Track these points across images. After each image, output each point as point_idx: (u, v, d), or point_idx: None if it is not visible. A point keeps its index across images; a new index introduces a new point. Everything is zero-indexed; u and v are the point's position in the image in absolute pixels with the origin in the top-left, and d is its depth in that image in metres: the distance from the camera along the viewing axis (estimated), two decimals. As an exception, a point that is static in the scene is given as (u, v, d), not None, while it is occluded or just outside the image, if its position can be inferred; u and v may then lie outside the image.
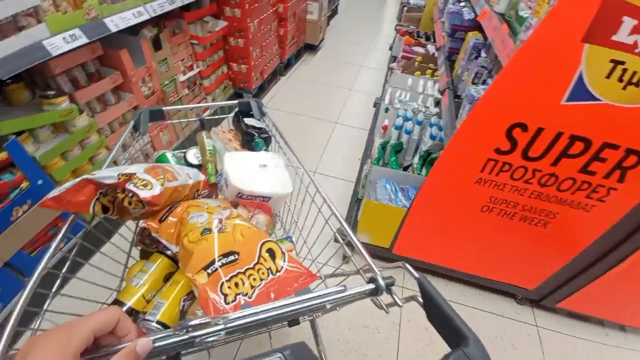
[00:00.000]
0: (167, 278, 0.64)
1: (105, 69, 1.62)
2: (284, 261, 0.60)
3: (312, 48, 4.07)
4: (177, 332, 0.39)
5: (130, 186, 0.63)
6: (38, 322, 0.53)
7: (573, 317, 1.67)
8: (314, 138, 2.70)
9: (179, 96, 2.09)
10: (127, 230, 0.94)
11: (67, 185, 0.62)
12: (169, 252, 0.66)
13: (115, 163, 1.76)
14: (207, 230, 0.60)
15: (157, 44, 1.85)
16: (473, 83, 1.67)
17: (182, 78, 2.07)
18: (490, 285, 1.67)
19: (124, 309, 0.60)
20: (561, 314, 1.68)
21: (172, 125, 2.06)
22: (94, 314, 0.37)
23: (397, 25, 4.11)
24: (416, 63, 2.61)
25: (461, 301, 1.69)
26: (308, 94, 3.30)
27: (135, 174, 0.65)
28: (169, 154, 1.02)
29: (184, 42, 2.07)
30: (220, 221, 0.63)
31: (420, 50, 2.86)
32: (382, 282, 0.45)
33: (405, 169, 1.83)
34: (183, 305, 0.60)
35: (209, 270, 0.55)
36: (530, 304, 1.71)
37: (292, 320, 0.66)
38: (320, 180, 0.83)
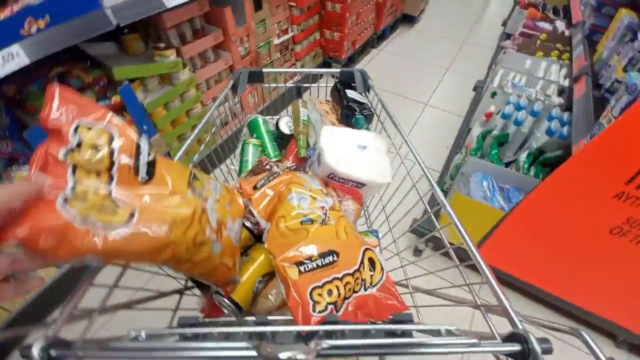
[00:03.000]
0: (243, 250, 0.61)
1: (208, 27, 1.67)
2: (382, 277, 0.51)
3: (410, 20, 3.73)
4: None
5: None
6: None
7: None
8: (400, 119, 2.49)
9: (271, 59, 2.09)
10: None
11: None
12: (248, 224, 0.61)
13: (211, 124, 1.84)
14: (309, 221, 0.53)
15: (257, 4, 1.84)
16: (625, 70, 1.32)
17: (276, 41, 2.06)
18: (589, 319, 1.39)
19: None
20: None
21: (261, 88, 2.09)
22: None
23: (516, -3, 3.51)
24: (538, 42, 2.19)
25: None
26: (399, 70, 3.06)
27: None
28: (260, 120, 0.99)
29: (282, 3, 2.03)
30: (324, 211, 0.55)
31: (546, 26, 2.38)
32: (537, 347, 0.31)
33: (506, 165, 1.57)
34: (257, 287, 0.55)
35: (302, 268, 0.48)
36: (628, 349, 1.40)
37: None
38: (406, 163, 0.72)
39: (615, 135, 0.83)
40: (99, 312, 0.46)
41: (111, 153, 0.38)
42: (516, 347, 0.33)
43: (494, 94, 1.79)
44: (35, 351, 0.32)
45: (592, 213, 1.01)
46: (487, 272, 0.43)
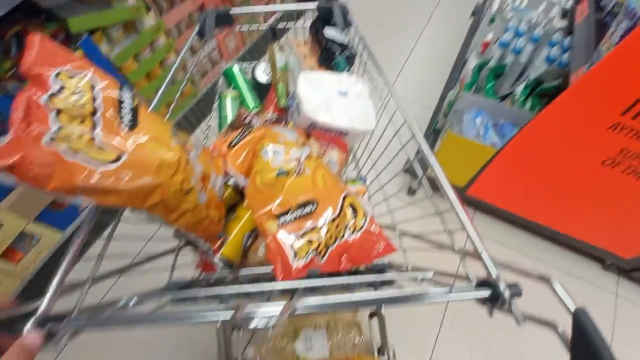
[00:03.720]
0: (229, 208, 0.60)
1: (170, -42, 1.46)
2: (366, 221, 0.51)
3: None
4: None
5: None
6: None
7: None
8: (390, 53, 2.35)
9: (247, -6, 1.88)
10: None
11: None
12: (231, 182, 0.60)
13: (183, 67, 1.73)
14: (284, 173, 0.54)
15: None
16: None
17: (250, -28, 1.83)
18: (577, 245, 1.46)
19: None
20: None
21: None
22: None
23: None
24: (544, -46, 1.95)
25: (537, 256, 1.52)
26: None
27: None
28: (235, 68, 0.91)
29: None
30: (299, 161, 0.55)
31: None
32: (506, 292, 0.32)
33: (503, 98, 1.51)
34: (246, 242, 0.56)
35: (281, 221, 0.49)
36: (617, 272, 1.49)
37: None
38: (392, 105, 0.67)
39: (613, 64, 0.77)
40: (91, 283, 0.46)
41: (93, 99, 0.38)
42: (485, 292, 0.33)
43: (492, 20, 1.65)
44: (29, 328, 0.32)
45: (586, 145, 0.99)
46: (463, 219, 0.43)
